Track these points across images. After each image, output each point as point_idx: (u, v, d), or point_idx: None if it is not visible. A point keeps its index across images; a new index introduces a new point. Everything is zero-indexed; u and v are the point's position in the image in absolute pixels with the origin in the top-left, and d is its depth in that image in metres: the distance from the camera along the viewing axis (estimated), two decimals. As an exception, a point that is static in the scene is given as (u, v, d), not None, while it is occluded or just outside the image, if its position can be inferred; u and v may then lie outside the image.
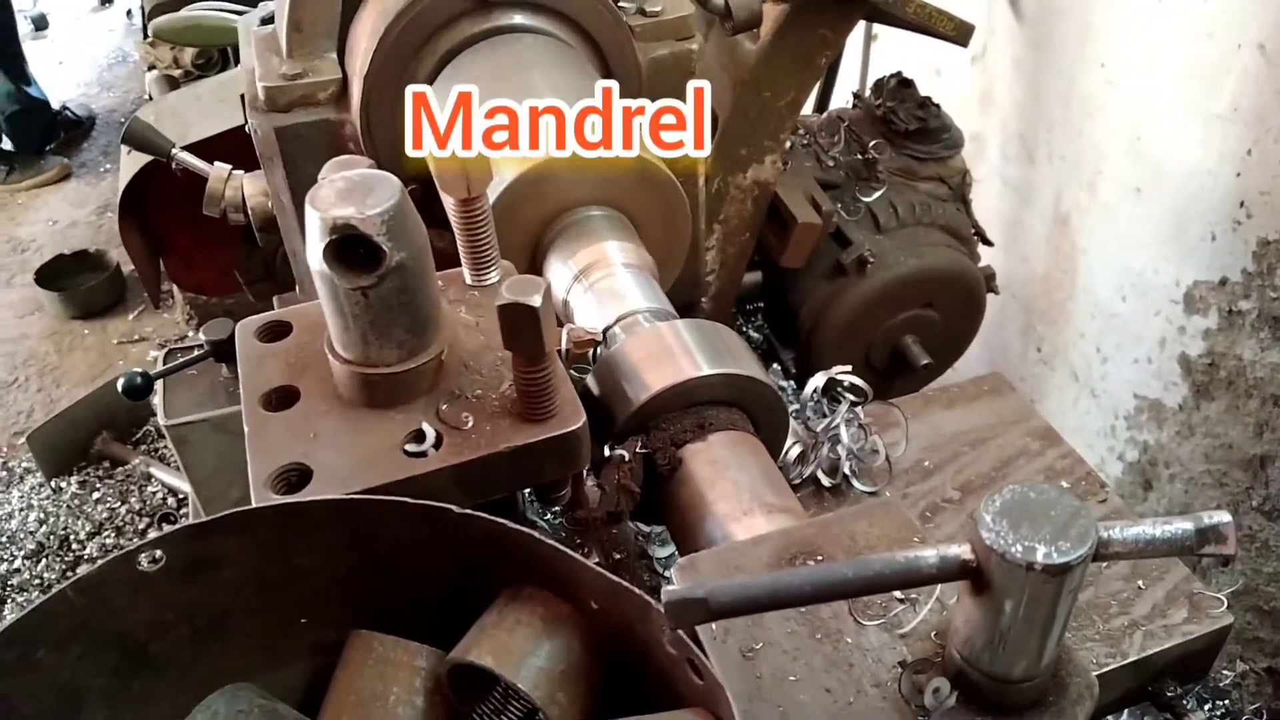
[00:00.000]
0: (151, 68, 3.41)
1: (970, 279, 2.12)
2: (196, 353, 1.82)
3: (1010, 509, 0.68)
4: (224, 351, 1.76)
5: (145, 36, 3.31)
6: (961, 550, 0.69)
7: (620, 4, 1.64)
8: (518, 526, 0.83)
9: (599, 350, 1.18)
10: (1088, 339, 2.86)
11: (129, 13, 6.79)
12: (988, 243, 2.30)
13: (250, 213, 1.92)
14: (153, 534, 2.10)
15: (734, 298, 2.18)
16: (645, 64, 1.64)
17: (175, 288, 3.51)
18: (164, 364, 1.88)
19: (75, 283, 4.22)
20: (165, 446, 3.41)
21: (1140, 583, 1.21)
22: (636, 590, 0.78)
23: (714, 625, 0.83)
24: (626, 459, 1.04)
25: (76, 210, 4.96)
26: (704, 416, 1.08)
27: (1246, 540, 2.53)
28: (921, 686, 0.74)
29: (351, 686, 0.87)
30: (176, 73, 3.36)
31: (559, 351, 1.09)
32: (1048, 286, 2.97)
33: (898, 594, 0.85)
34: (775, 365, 2.33)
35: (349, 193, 0.92)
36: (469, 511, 0.84)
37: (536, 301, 0.88)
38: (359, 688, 0.87)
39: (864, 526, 0.90)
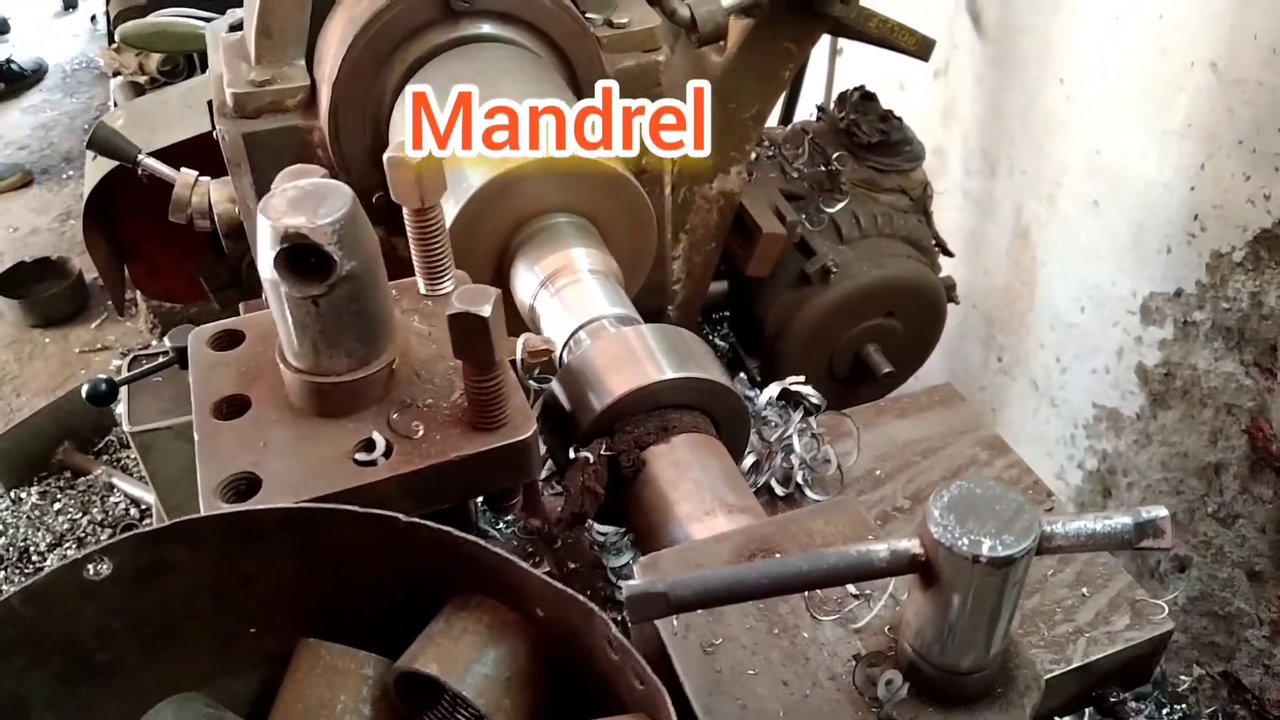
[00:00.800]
0: (116, 74, 3.39)
1: (931, 289, 2.14)
2: (161, 359, 1.81)
3: (957, 504, 0.70)
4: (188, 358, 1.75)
5: (110, 43, 3.28)
6: (911, 544, 0.71)
7: (588, 15, 1.65)
8: (465, 535, 0.84)
9: (562, 356, 1.19)
10: (1047, 349, 2.90)
11: (93, 18, 6.75)
12: (948, 254, 2.33)
13: (216, 219, 1.91)
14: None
15: (700, 306, 2.20)
16: (612, 74, 1.65)
17: (139, 296, 3.49)
18: (128, 371, 1.87)
19: (36, 291, 4.18)
20: (128, 456, 3.38)
21: (1085, 590, 1.23)
22: (581, 598, 0.79)
23: (675, 622, 0.84)
24: (591, 461, 1.05)
25: (38, 217, 4.92)
26: (668, 419, 1.09)
27: (1202, 546, 2.57)
28: (875, 679, 0.76)
29: (299, 695, 0.87)
30: (142, 79, 3.34)
31: (513, 361, 1.10)
32: (1008, 298, 3.01)
33: (853, 590, 0.87)
34: (741, 374, 2.35)
35: (300, 202, 0.93)
36: (416, 520, 0.84)
37: (487, 311, 0.89)
38: (306, 696, 0.87)
39: (820, 524, 0.92)
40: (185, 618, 0.89)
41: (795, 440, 1.32)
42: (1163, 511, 0.70)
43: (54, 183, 5.18)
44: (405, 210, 1.07)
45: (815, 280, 2.06)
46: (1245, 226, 2.28)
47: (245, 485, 0.94)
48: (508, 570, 0.83)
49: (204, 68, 2.77)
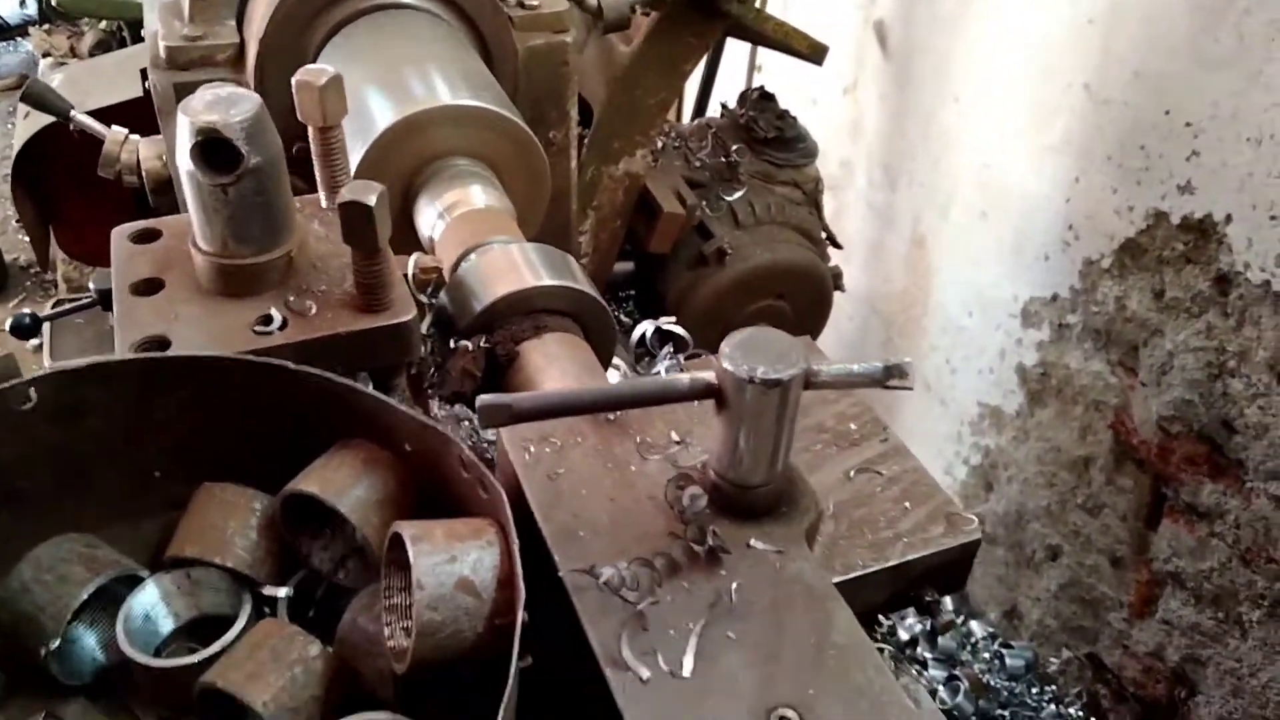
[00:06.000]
0: (47, 54, 3.46)
1: (819, 274, 2.31)
2: (84, 300, 1.91)
3: (744, 344, 0.86)
4: (111, 300, 1.85)
5: (40, 23, 3.35)
6: (708, 375, 0.86)
7: (501, -5, 1.81)
8: (346, 380, 0.97)
9: (454, 273, 1.33)
10: (939, 351, 3.08)
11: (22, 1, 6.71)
12: (837, 245, 2.51)
13: (144, 175, 2.02)
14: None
15: (607, 282, 2.34)
16: (522, 51, 1.80)
17: (59, 273, 3.54)
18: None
19: (-46, 270, 4.21)
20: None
21: (907, 504, 1.37)
22: (441, 428, 0.92)
23: (527, 455, 0.98)
24: (470, 348, 1.18)
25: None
26: (541, 320, 1.23)
27: (1072, 535, 2.75)
28: (682, 495, 0.90)
29: (194, 523, 0.99)
30: (73, 61, 3.42)
31: (406, 276, 1.24)
32: (905, 303, 3.20)
33: (675, 437, 1.01)
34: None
35: (215, 104, 1.06)
36: (303, 368, 0.97)
37: (372, 201, 1.03)
38: (200, 524, 0.99)
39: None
40: (98, 456, 1.00)
41: (662, 369, 1.47)
42: (907, 359, 0.86)
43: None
44: (310, 129, 1.20)
45: (712, 261, 2.22)
46: (1113, 236, 2.48)
47: (156, 345, 1.06)
48: (381, 412, 0.96)
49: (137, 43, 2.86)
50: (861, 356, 3.38)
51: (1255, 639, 2.33)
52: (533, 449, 0.99)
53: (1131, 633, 2.64)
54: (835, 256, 2.48)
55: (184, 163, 1.07)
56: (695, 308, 2.26)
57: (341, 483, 0.95)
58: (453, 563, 0.80)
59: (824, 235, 2.39)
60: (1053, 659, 2.84)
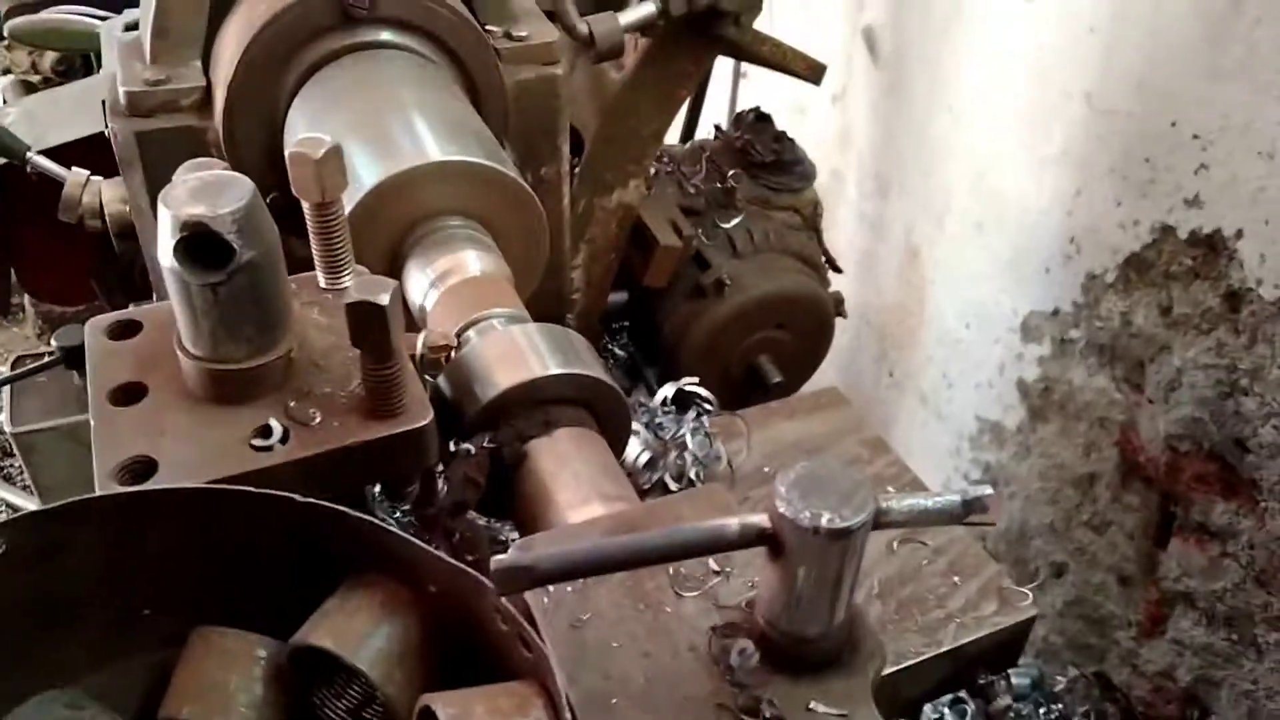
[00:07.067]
0: (6, 71, 3.31)
1: (820, 302, 2.23)
2: (47, 359, 1.79)
3: (801, 482, 0.76)
4: (77, 358, 1.73)
5: (0, 39, 3.20)
6: (760, 519, 0.76)
7: (487, 27, 1.69)
8: (359, 514, 0.87)
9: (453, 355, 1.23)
10: (935, 364, 3.02)
11: (-22, 15, 6.51)
12: (837, 270, 2.43)
13: (108, 219, 1.90)
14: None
15: (600, 315, 2.25)
16: (511, 86, 1.69)
17: (26, 300, 3.40)
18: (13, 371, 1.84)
19: (-84, 299, 4.03)
20: (11, 464, 3.29)
21: (956, 579, 1.30)
22: (472, 571, 0.82)
23: (545, 599, 0.88)
24: (473, 452, 1.08)
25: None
26: (550, 414, 1.13)
27: (1077, 553, 2.70)
28: (729, 648, 0.80)
29: (192, 677, 0.89)
30: (35, 79, 3.26)
31: (414, 356, 1.13)
32: (899, 315, 3.13)
33: (714, 567, 0.92)
34: (640, 385, 2.41)
35: (201, 191, 0.95)
36: (311, 500, 0.87)
37: (384, 300, 0.93)
38: (199, 678, 0.89)
39: (687, 509, 0.97)
40: (80, 599, 0.90)
41: (689, 438, 1.38)
42: (988, 490, 0.77)
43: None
44: (306, 205, 1.09)
45: (710, 292, 2.13)
46: (1116, 250, 2.42)
47: (142, 468, 0.95)
48: (402, 547, 0.86)
49: (99, 68, 2.73)
50: (854, 369, 3.32)
51: (1272, 661, 2.29)
52: (552, 589, 0.89)
53: (1140, 652, 2.60)
54: (836, 281, 2.40)
55: (166, 259, 0.96)
56: (694, 341, 2.17)
57: (359, 632, 0.85)
58: (501, 751, 0.71)
59: (823, 260, 2.31)
60: (1059, 676, 2.79)
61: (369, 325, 0.94)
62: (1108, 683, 2.74)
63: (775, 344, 2.22)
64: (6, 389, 1.79)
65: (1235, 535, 2.30)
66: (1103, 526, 2.62)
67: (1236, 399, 2.23)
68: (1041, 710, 1.64)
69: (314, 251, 1.13)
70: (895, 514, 0.77)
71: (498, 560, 0.73)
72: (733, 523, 0.78)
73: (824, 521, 0.74)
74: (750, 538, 0.77)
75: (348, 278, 1.15)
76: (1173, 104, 2.21)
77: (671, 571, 0.92)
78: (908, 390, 3.16)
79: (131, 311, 1.11)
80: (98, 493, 0.95)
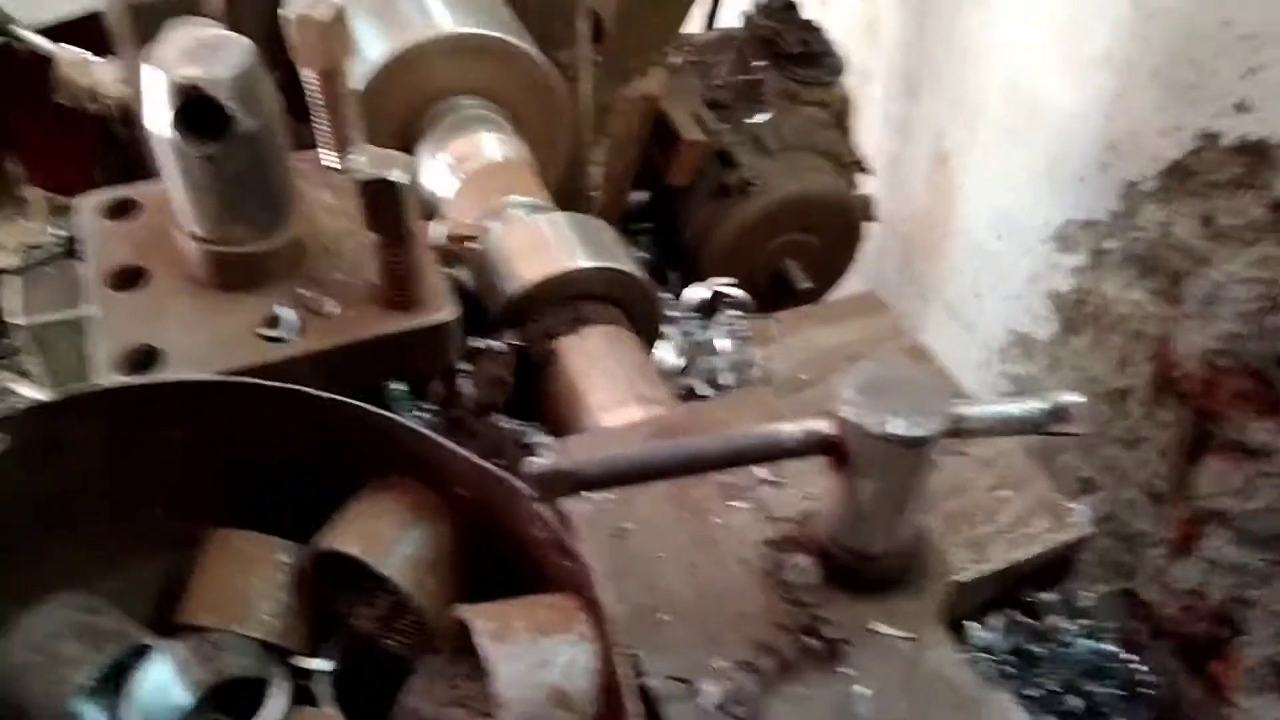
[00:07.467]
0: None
1: (849, 205, 2.14)
2: (56, 251, 1.70)
3: (871, 387, 0.68)
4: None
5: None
6: (822, 424, 0.68)
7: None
8: (383, 412, 0.79)
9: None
10: (964, 275, 2.92)
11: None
12: (867, 171, 2.32)
13: (108, 101, 1.80)
14: None
15: (621, 214, 2.15)
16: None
17: (32, 191, 3.30)
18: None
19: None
20: (29, 360, 3.22)
21: (1004, 491, 1.23)
22: (504, 475, 0.75)
23: (585, 507, 0.81)
24: (499, 350, 1.00)
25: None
26: (580, 310, 1.05)
27: (1107, 470, 2.64)
28: (784, 563, 0.74)
29: (209, 583, 0.83)
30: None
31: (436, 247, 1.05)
32: (927, 224, 3.02)
33: (763, 475, 0.84)
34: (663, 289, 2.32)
35: (194, 53, 0.85)
36: (334, 397, 0.79)
37: (399, 176, 0.84)
38: (218, 583, 0.82)
39: (732, 413, 0.90)
40: (84, 497, 0.83)
41: (720, 341, 1.30)
42: (1077, 397, 0.69)
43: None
44: (307, 74, 0.99)
45: (735, 192, 2.03)
46: (1157, 157, 2.31)
47: (144, 357, 0.88)
48: (429, 449, 0.78)
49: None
50: (878, 279, 3.22)
51: (1306, 581, 2.25)
52: (593, 496, 0.82)
53: (1171, 570, 2.55)
54: (865, 185, 2.30)
55: (158, 127, 0.87)
56: (717, 243, 2.08)
57: (387, 537, 0.78)
58: (542, 667, 0.64)
59: (852, 159, 2.20)
60: (1087, 593, 2.76)
61: (384, 205, 0.85)
62: (1137, 600, 2.71)
63: (801, 248, 2.13)
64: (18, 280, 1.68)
65: (1272, 454, 2.23)
66: (1135, 442, 2.55)
67: (1278, 314, 2.14)
68: (1069, 625, 1.60)
69: (317, 127, 1.03)
70: (972, 422, 0.69)
71: (536, 463, 0.66)
72: (792, 428, 0.70)
73: (896, 428, 0.66)
74: (812, 445, 0.70)
75: (357, 155, 1.05)
76: (1224, 2, 2.08)
77: (718, 479, 0.85)
78: (933, 301, 3.08)
79: (129, 189, 1.02)
80: (99, 384, 0.88)
